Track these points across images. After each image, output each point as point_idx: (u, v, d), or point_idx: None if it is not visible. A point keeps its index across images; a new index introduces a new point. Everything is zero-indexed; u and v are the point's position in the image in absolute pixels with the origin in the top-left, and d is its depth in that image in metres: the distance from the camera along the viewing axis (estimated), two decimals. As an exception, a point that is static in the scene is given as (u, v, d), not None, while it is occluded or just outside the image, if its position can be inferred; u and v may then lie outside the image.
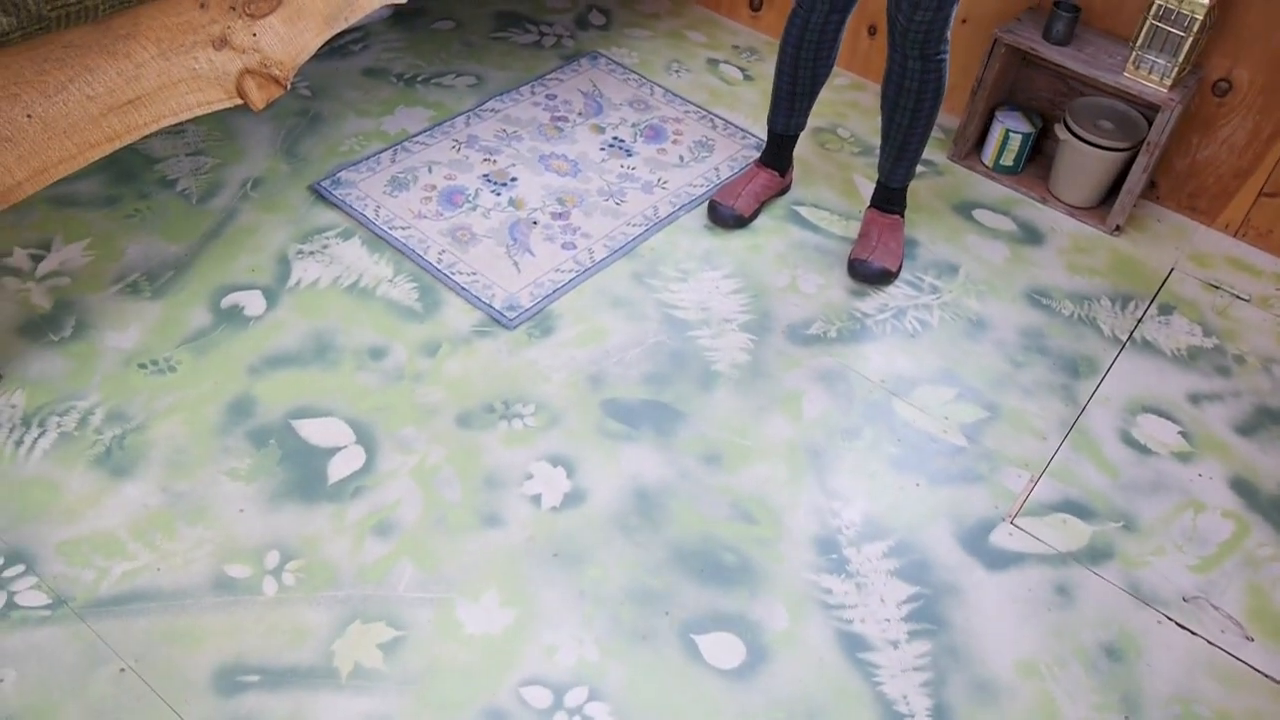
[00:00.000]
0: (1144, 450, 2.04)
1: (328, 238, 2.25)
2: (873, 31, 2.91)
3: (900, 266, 2.32)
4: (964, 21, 2.74)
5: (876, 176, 2.34)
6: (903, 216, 2.37)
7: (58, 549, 1.65)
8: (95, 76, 1.69)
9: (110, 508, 1.71)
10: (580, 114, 2.67)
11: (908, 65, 2.10)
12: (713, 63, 2.95)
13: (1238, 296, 2.43)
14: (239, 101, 1.92)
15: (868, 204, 2.41)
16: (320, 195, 2.35)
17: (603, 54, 2.92)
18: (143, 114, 1.79)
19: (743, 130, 2.69)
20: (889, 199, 2.34)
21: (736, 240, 2.37)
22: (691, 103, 2.77)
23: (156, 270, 2.13)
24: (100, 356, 1.95)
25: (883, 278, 2.28)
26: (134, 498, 1.73)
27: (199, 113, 1.86)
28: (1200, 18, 2.25)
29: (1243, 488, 1.99)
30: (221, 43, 1.84)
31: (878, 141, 2.72)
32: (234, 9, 1.83)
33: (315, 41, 1.99)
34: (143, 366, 1.94)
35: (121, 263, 2.14)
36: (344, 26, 2.04)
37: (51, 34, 1.60)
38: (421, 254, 2.22)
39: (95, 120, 1.72)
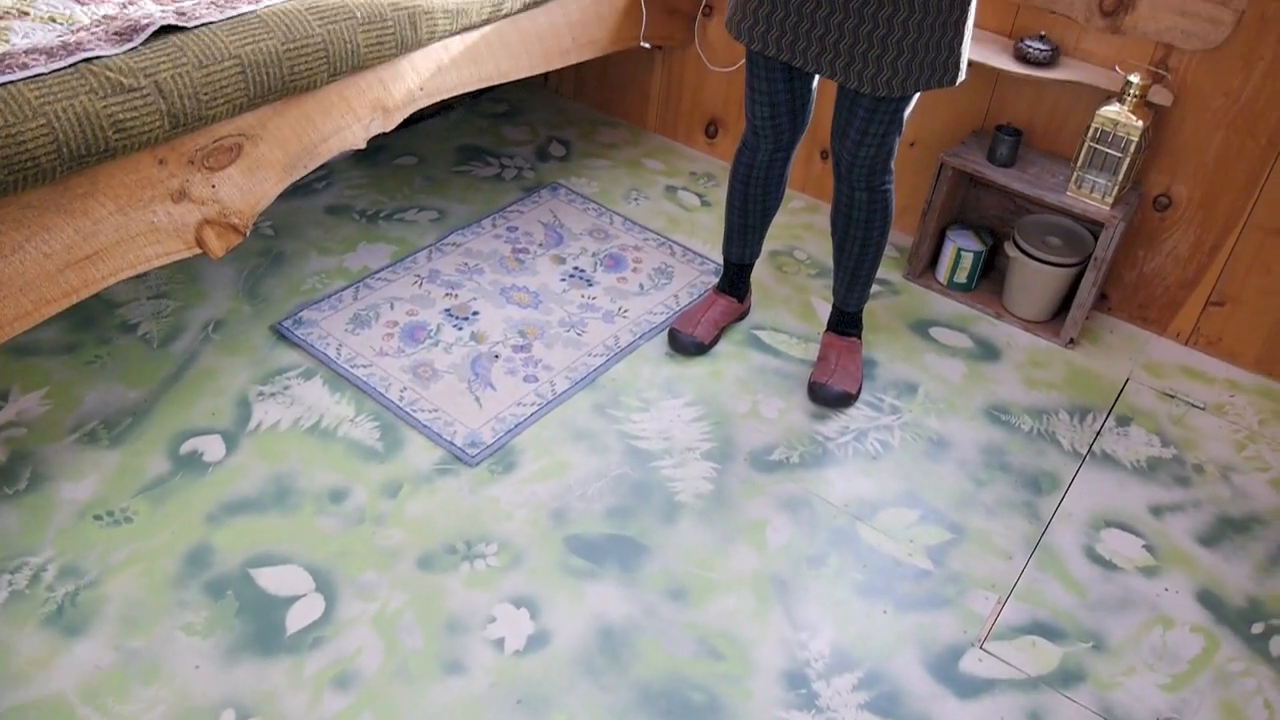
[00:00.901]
0: (1110, 566, 2.04)
1: (289, 378, 2.26)
2: (825, 155, 2.99)
3: (860, 388, 2.34)
4: (911, 144, 2.83)
5: (833, 299, 2.38)
6: (860, 338, 2.41)
7: (3, 718, 1.60)
8: (52, 235, 1.71)
9: (61, 669, 1.67)
10: (541, 245, 2.72)
11: (855, 196, 2.15)
12: (671, 190, 3.02)
13: (1193, 405, 2.46)
14: (198, 251, 1.94)
15: (825, 327, 2.45)
16: (282, 335, 2.36)
17: (563, 184, 2.98)
18: (100, 268, 1.80)
19: (701, 256, 2.74)
20: (845, 322, 2.38)
21: (697, 367, 2.40)
22: (650, 230, 2.82)
23: (115, 417, 2.13)
24: (55, 509, 1.92)
25: (843, 400, 2.30)
26: (86, 658, 1.69)
27: (157, 264, 1.88)
28: (1136, 139, 2.33)
29: (1209, 600, 1.99)
30: (180, 195, 1.87)
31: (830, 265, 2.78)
32: (193, 163, 1.86)
33: (275, 189, 2.03)
34: (98, 518, 1.92)
35: (79, 411, 2.13)
36: (303, 173, 2.08)
37: (8, 196, 1.62)
38: (383, 392, 2.23)
39: (52, 277, 1.74)
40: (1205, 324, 2.60)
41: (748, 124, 2.20)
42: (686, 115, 3.20)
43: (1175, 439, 2.36)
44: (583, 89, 3.39)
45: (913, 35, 1.86)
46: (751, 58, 2.07)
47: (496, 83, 2.40)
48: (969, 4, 1.88)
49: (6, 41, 1.76)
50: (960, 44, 1.92)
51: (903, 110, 2.01)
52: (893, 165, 2.14)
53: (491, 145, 3.15)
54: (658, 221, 2.87)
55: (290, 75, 1.91)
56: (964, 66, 1.96)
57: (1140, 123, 2.33)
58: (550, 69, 2.54)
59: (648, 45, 2.81)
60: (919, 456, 2.23)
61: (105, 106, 1.66)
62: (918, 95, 2.02)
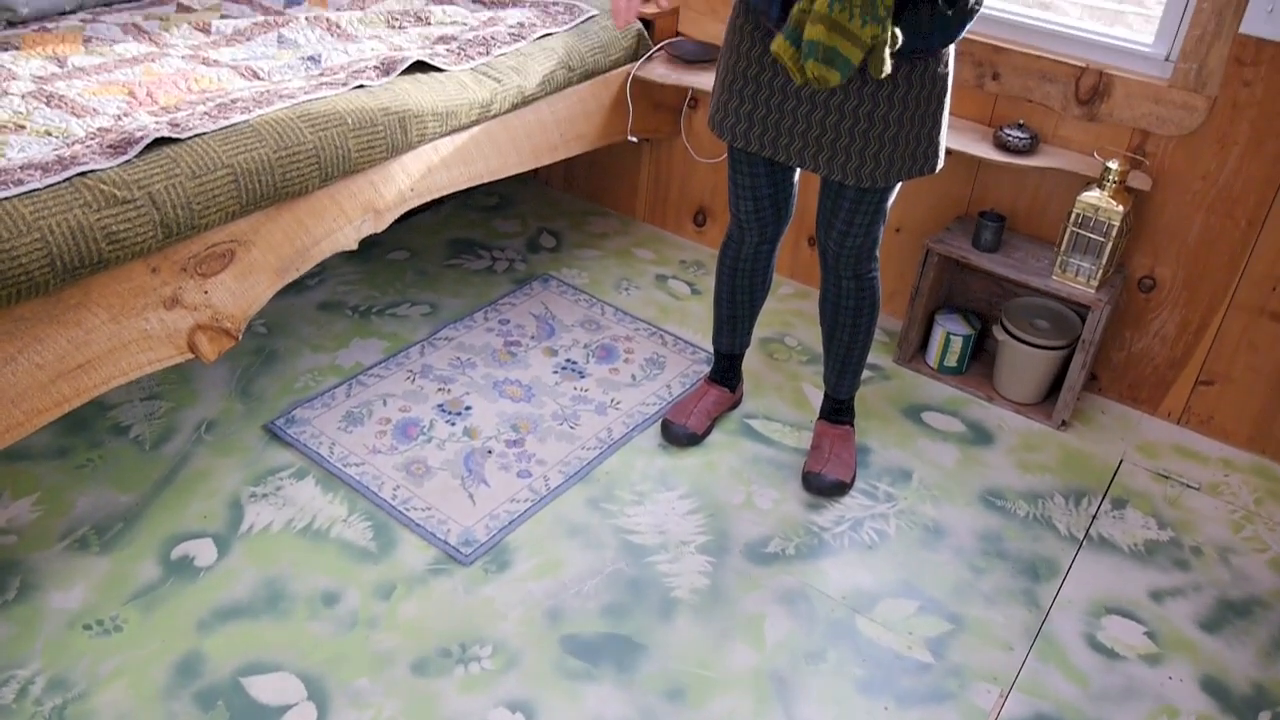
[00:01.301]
0: (1111, 654, 2.01)
1: (282, 478, 2.25)
2: (811, 242, 3.03)
3: (854, 476, 2.34)
4: (898, 230, 2.87)
5: (825, 387, 2.39)
6: (853, 425, 2.41)
7: (-12, 841, 1.56)
8: (45, 346, 1.72)
9: (47, 789, 1.63)
10: (533, 338, 2.73)
11: (842, 286, 2.18)
12: (661, 279, 3.05)
13: (1188, 485, 2.46)
14: (190, 356, 1.95)
15: (818, 415, 2.45)
16: (275, 435, 2.36)
17: (554, 276, 3.01)
18: (93, 377, 1.81)
19: (692, 345, 2.75)
20: (837, 410, 2.39)
21: (691, 458, 2.39)
22: (641, 320, 2.84)
23: (106, 523, 2.11)
24: (44, 619, 1.90)
25: (838, 489, 2.30)
26: (72, 776, 1.65)
27: (149, 371, 1.89)
28: (1117, 224, 2.37)
29: (1214, 688, 1.96)
30: (173, 302, 1.88)
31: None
32: (185, 270, 1.88)
33: (267, 293, 2.04)
34: (88, 628, 1.89)
35: (70, 516, 2.12)
36: (296, 276, 2.10)
37: (1, 310, 1.63)
38: (376, 491, 2.22)
39: (44, 387, 1.74)
40: (1196, 403, 2.61)
41: (732, 218, 2.23)
42: (675, 205, 3.24)
43: (1172, 521, 2.35)
44: (573, 180, 3.44)
45: (893, 128, 1.90)
46: (733, 154, 2.11)
47: (486, 180, 2.44)
48: (945, 96, 1.93)
49: (2, 156, 1.79)
50: (938, 133, 1.96)
51: (886, 199, 2.04)
52: (878, 253, 2.16)
53: (483, 238, 3.18)
54: (649, 311, 2.89)
55: (282, 182, 1.94)
56: (942, 154, 2.00)
57: (1121, 208, 2.36)
58: (539, 165, 2.59)
59: (635, 139, 2.86)
60: (915, 545, 2.22)
61: (99, 219, 1.68)
62: (897, 189, 2.05)
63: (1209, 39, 2.28)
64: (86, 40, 2.29)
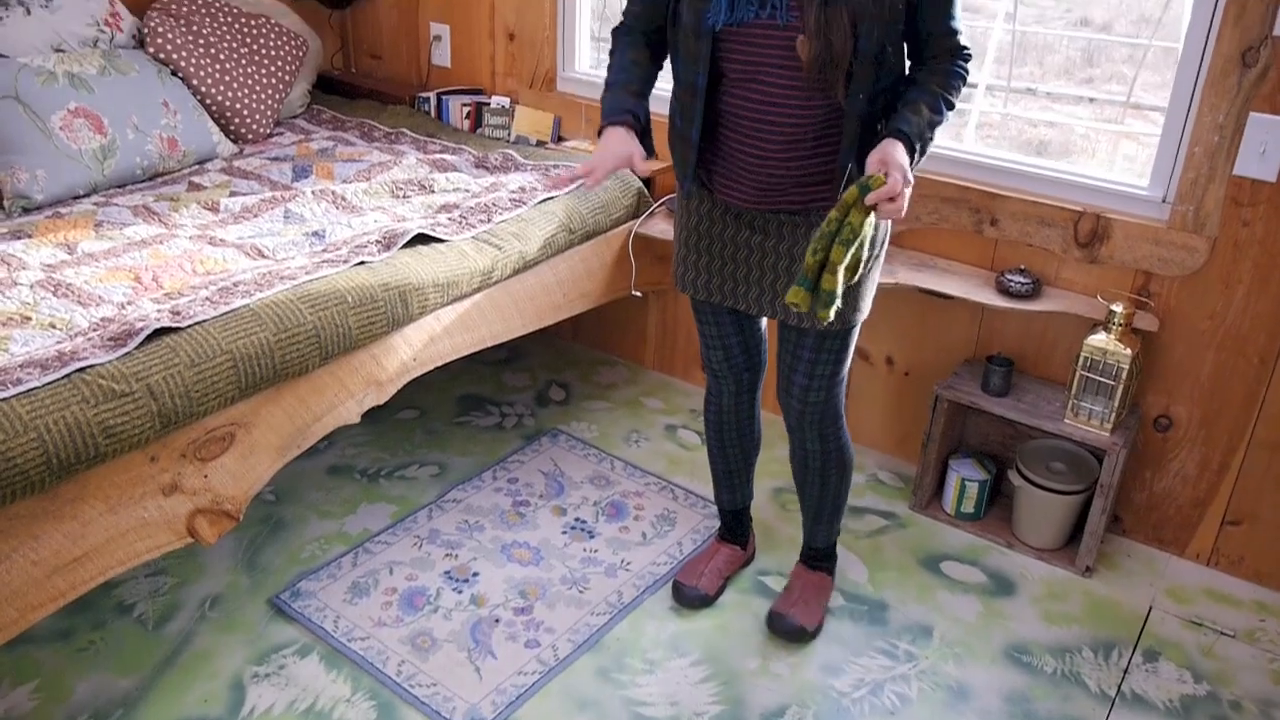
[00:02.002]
0: (1153, 828, 1.90)
1: (285, 656, 2.20)
2: (821, 387, 3.01)
3: (819, 625, 2.28)
4: (906, 374, 2.85)
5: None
6: (831, 573, 2.36)
7: None
8: (40, 542, 1.71)
9: None
10: (542, 496, 2.70)
11: (808, 449, 2.16)
12: (670, 429, 3.03)
13: (1222, 633, 2.37)
14: (190, 541, 1.93)
15: (798, 557, 2.41)
16: (280, 609, 2.32)
17: (563, 430, 3.00)
18: (89, 569, 1.79)
19: (703, 499, 2.71)
20: (814, 556, 2.35)
21: (703, 620, 2.33)
22: (651, 474, 2.81)
23: (105, 709, 2.06)
24: (37, 821, 1.84)
25: (798, 635, 2.24)
26: None
27: (147, 559, 1.87)
28: (1126, 366, 2.34)
29: None
30: (171, 488, 1.88)
31: (838, 497, 2.76)
32: (185, 456, 1.88)
33: (268, 472, 2.04)
34: (81, 829, 1.83)
35: (69, 703, 2.07)
36: (298, 452, 2.09)
37: (-4, 510, 1.63)
38: (380, 667, 2.16)
39: (39, 583, 1.72)
40: (1224, 544, 2.54)
41: (707, 372, 2.25)
42: (683, 351, 3.25)
43: (1207, 673, 2.25)
44: (581, 331, 3.46)
45: None
46: (698, 307, 2.14)
47: (490, 345, 2.45)
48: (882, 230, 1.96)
49: (6, 351, 1.81)
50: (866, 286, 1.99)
51: (848, 344, 2.04)
52: (843, 411, 2.15)
53: (492, 393, 3.19)
54: (659, 464, 2.87)
55: (282, 364, 1.95)
56: (867, 310, 2.02)
57: (1128, 350, 2.34)
58: (543, 325, 2.60)
59: (639, 294, 2.88)
60: (939, 709, 2.13)
61: (96, 414, 1.69)
62: (858, 329, 2.04)
63: (1203, 181, 2.29)
64: (98, 225, 2.35)
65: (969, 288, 2.52)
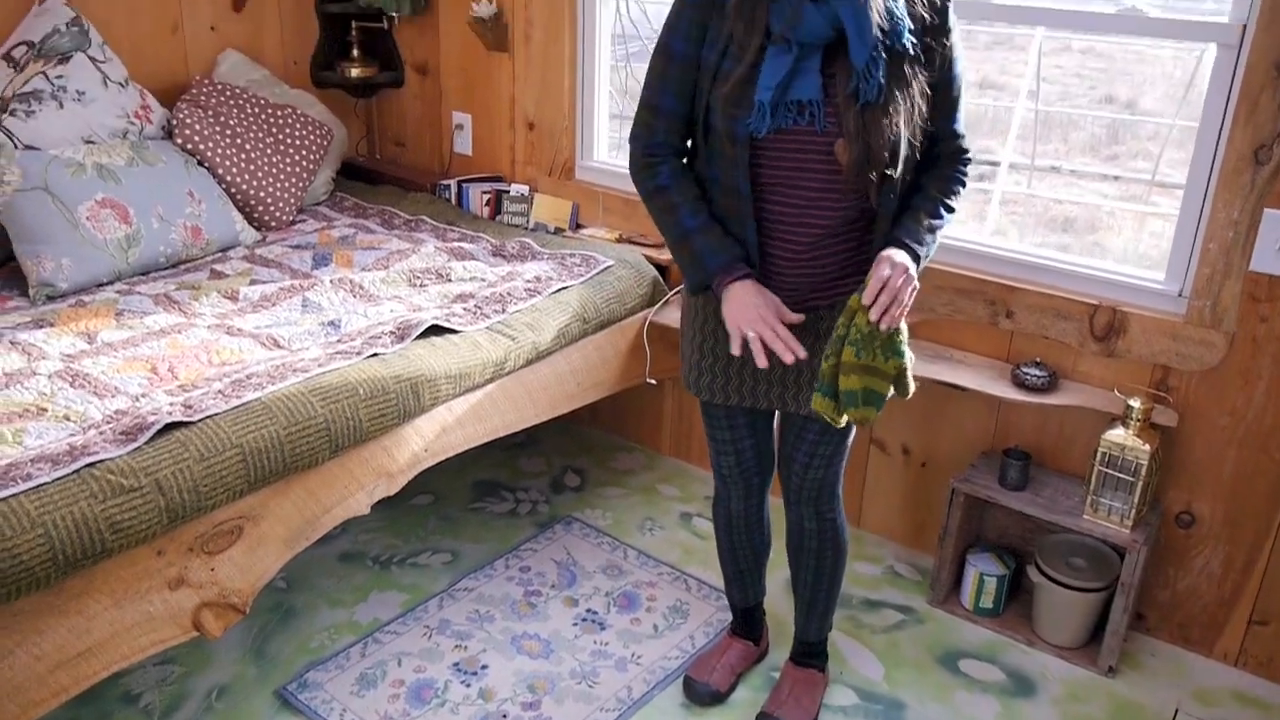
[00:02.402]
0: None
1: (289, 751, 2.17)
2: (838, 476, 2.98)
3: None
4: (923, 465, 2.82)
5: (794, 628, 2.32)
6: (823, 670, 2.32)
7: None
8: (44, 637, 1.70)
9: None
10: (554, 586, 2.68)
11: (804, 526, 2.14)
12: (685, 517, 3.01)
13: (1252, 740, 2.29)
14: (195, 635, 1.92)
15: (788, 655, 2.36)
16: (286, 701, 2.30)
17: (577, 518, 2.98)
18: (93, 664, 1.78)
19: (717, 590, 2.68)
20: (805, 652, 2.31)
21: (714, 718, 2.28)
22: (665, 564, 2.78)
23: (107, 805, 2.04)
24: None
25: None
26: None
27: (151, 653, 1.86)
28: (1145, 462, 2.30)
29: None
30: (178, 582, 1.87)
31: (850, 589, 2.71)
32: (191, 550, 1.88)
33: (277, 564, 2.03)
34: None
35: (71, 799, 2.05)
36: (307, 545, 2.09)
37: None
38: (384, 765, 2.13)
39: (42, 679, 1.71)
40: (1252, 644, 2.47)
41: (716, 477, 2.22)
42: (699, 438, 3.23)
43: (1237, 783, 2.17)
44: (598, 416, 3.45)
45: None
46: (709, 411, 2.12)
47: (503, 434, 2.45)
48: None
49: (20, 444, 1.83)
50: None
51: (851, 429, 2.04)
52: (840, 492, 2.13)
53: (507, 479, 3.18)
54: (673, 553, 2.84)
55: (292, 457, 1.96)
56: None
57: (1147, 446, 2.30)
58: (557, 415, 2.60)
59: (654, 382, 2.88)
60: (956, 818, 2.06)
61: (104, 510, 1.69)
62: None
63: (1219, 277, 2.28)
64: (119, 314, 2.39)
65: (984, 380, 2.50)
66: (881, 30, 1.69)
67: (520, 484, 3.16)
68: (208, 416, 1.89)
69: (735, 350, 1.84)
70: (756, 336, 1.80)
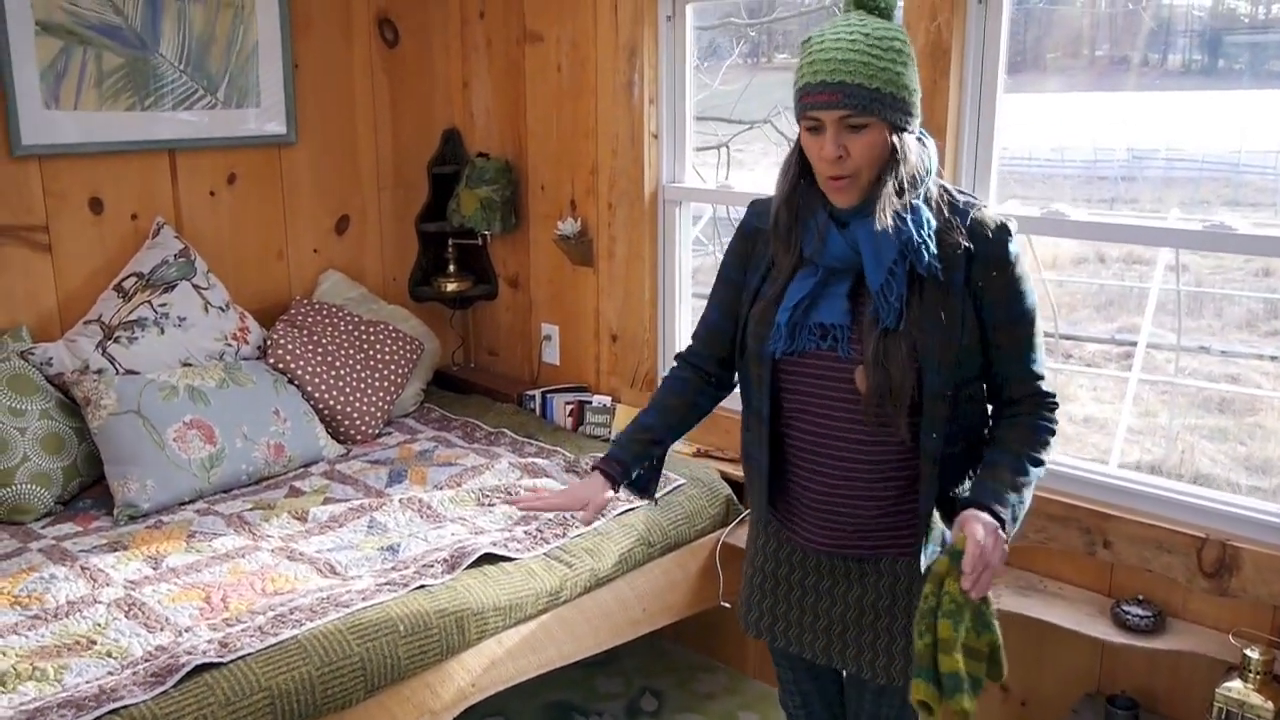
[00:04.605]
0: None
1: None
2: (932, 712, 2.75)
3: None
4: (1023, 704, 2.57)
5: None
6: None
7: None
8: None
9: None
10: (615, 829, 2.51)
11: None
12: (766, 751, 2.81)
13: None
14: None
15: None
16: None
17: (650, 748, 2.82)
18: None
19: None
20: None
21: None
22: (738, 807, 2.58)
23: None
24: None
25: None
26: None
27: None
28: (1269, 722, 2.03)
29: None
30: (200, 832, 1.82)
31: None
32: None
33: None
34: None
35: None
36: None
37: None
38: None
39: None
40: None
41: (786, 715, 2.07)
42: (787, 661, 3.05)
43: None
44: (682, 632, 3.31)
45: (901, 620, 1.78)
46: (773, 649, 1.99)
47: (560, 665, 2.36)
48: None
49: (59, 682, 1.85)
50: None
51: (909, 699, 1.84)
52: None
53: (582, 700, 3.05)
54: (748, 795, 2.63)
55: (323, 699, 1.92)
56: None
57: (1270, 704, 2.04)
58: (620, 643, 2.50)
59: (728, 605, 2.75)
60: None
61: (119, 761, 1.67)
62: None
63: (1340, 513, 2.04)
64: (190, 535, 2.44)
65: (1081, 618, 2.29)
66: (902, 255, 1.63)
67: (595, 706, 3.02)
68: (240, 657, 1.88)
69: (585, 522, 1.90)
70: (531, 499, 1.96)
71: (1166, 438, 5.92)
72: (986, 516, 1.63)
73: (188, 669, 1.82)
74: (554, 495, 1.92)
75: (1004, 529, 1.64)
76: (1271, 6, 6.31)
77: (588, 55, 3.15)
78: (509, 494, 2.67)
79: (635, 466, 1.89)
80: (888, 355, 1.64)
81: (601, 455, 1.90)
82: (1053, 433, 1.73)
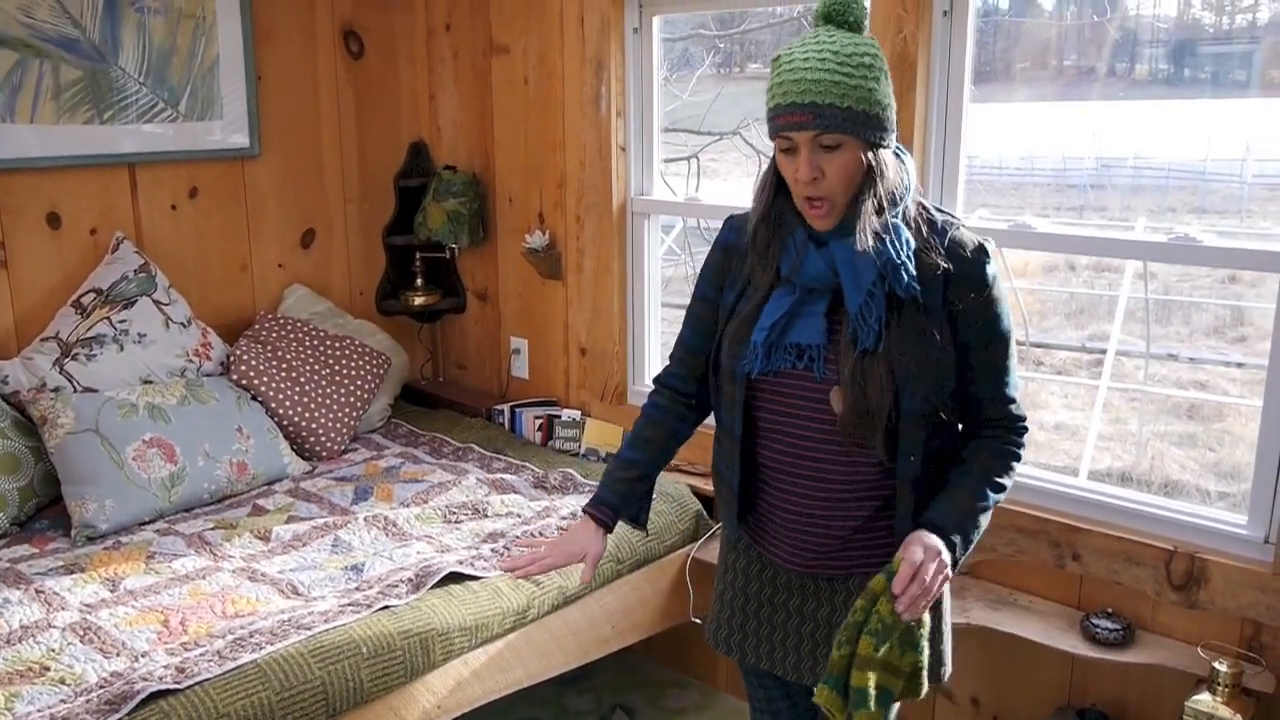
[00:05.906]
0: None
1: None
2: (904, 726, 2.73)
3: None
4: (994, 718, 2.56)
5: None
6: None
7: None
8: None
9: None
10: None
11: None
12: (738, 769, 2.78)
13: None
14: None
15: None
16: None
17: (620, 767, 2.79)
18: None
19: None
20: None
21: None
22: (709, 826, 2.56)
23: None
24: None
25: None
26: None
27: None
28: (1238, 735, 2.03)
29: None
30: None
31: None
32: (172, 828, 1.79)
33: (267, 838, 1.92)
34: None
35: None
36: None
37: None
38: None
39: None
40: None
41: None
42: (759, 676, 3.03)
43: None
44: (654, 645, 3.28)
45: None
46: (740, 664, 1.96)
47: (528, 685, 2.33)
48: (942, 604, 1.77)
49: (10, 712, 1.80)
50: (942, 641, 1.79)
51: (889, 713, 1.82)
52: None
53: (552, 717, 3.02)
54: (719, 813, 2.61)
55: (282, 725, 1.88)
56: (949, 663, 1.81)
57: (1238, 717, 2.03)
58: (589, 660, 2.47)
59: (699, 621, 2.73)
60: None
61: (71, 792, 1.63)
62: (897, 706, 1.82)
63: (1307, 524, 2.05)
64: (150, 556, 2.39)
65: (1052, 632, 2.28)
66: (881, 276, 1.62)
67: (565, 726, 2.99)
68: (198, 683, 1.84)
69: (585, 580, 1.88)
70: (528, 560, 1.85)
71: (1136, 444, 5.96)
72: (931, 539, 1.62)
73: (142, 696, 1.78)
74: (547, 554, 1.85)
75: (952, 553, 1.63)
76: (1235, 17, 6.38)
77: (555, 67, 3.13)
78: (476, 510, 2.63)
79: (625, 507, 1.87)
80: (865, 377, 1.62)
81: (590, 500, 1.88)
82: (1019, 458, 1.73)
